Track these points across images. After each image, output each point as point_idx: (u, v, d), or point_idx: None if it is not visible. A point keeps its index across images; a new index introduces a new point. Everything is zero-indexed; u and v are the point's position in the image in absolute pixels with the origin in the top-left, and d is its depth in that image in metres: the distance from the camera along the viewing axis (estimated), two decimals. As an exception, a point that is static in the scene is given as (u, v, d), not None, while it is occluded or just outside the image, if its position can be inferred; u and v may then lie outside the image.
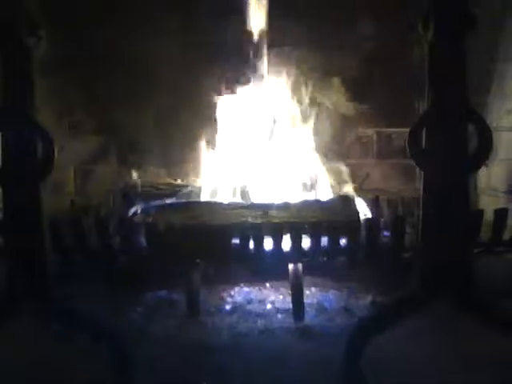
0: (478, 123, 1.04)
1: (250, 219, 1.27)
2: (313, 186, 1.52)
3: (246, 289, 1.60)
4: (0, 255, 1.30)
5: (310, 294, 1.55)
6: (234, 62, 1.75)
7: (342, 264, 1.33)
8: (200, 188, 1.54)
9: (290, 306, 1.46)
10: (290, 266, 1.41)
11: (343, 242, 1.25)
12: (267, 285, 1.65)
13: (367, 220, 1.22)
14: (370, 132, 1.87)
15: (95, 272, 1.42)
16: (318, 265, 1.48)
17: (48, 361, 1.16)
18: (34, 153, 1.06)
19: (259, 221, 1.26)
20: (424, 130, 1.04)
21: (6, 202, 1.08)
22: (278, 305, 1.50)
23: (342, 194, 1.50)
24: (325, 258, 1.29)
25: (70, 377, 1.11)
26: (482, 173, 1.82)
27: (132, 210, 1.47)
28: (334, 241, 1.23)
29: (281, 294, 1.57)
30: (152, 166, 1.88)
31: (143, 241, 1.32)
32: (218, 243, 1.25)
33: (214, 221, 1.27)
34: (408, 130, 1.98)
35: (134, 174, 1.84)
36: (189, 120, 1.79)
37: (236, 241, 1.26)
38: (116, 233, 1.31)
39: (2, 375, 1.12)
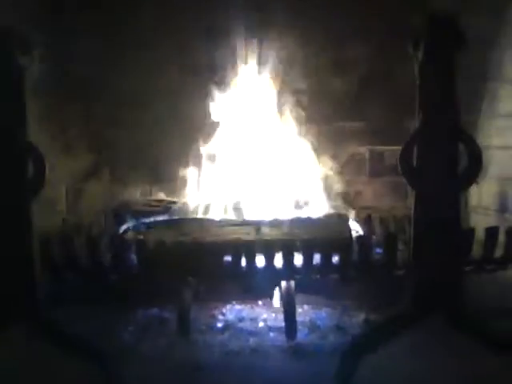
0: (467, 142, 1.06)
1: (242, 236, 1.27)
2: (305, 204, 1.53)
3: (237, 307, 1.59)
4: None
5: (303, 312, 1.54)
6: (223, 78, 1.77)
7: (335, 281, 1.32)
8: (192, 205, 1.53)
9: (283, 324, 1.45)
10: (283, 284, 1.41)
11: (335, 259, 1.25)
12: (259, 303, 1.64)
13: (359, 237, 1.22)
14: (363, 150, 1.89)
15: (86, 290, 1.41)
16: (310, 282, 1.48)
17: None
18: (24, 171, 1.06)
19: (251, 238, 1.26)
20: (415, 148, 1.06)
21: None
22: (270, 323, 1.48)
23: (333, 211, 1.50)
24: (317, 276, 1.28)
25: None
26: (473, 191, 1.83)
27: (123, 228, 1.46)
28: (326, 258, 1.23)
29: (273, 312, 1.56)
30: (144, 183, 1.89)
31: (134, 258, 1.31)
32: (209, 260, 1.24)
33: (206, 238, 1.27)
34: (400, 148, 2.00)
35: (126, 193, 1.85)
36: (180, 138, 1.80)
37: (228, 258, 1.25)
38: (107, 251, 1.30)
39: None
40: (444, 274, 0.97)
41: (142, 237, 1.31)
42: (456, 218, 1.02)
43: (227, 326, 1.46)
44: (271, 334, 1.42)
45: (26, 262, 1.07)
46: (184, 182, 1.71)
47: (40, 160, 1.05)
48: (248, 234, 1.29)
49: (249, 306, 1.59)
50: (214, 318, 1.52)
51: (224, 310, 1.56)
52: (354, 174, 1.85)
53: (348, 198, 1.72)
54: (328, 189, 1.65)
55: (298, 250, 1.23)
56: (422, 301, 0.99)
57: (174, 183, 1.78)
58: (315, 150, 1.76)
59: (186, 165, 1.73)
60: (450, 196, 1.03)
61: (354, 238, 1.25)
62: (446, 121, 1.05)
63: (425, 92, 1.06)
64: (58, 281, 1.33)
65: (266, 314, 1.55)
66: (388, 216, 1.76)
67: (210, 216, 1.42)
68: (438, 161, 1.04)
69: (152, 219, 1.41)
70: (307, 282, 1.37)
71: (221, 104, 1.70)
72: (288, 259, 1.24)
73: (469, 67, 1.17)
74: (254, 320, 1.50)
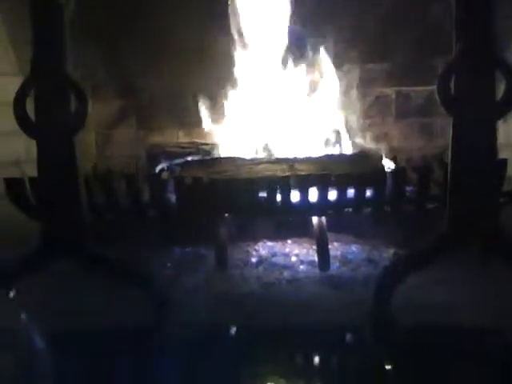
0: (505, 70, 1.06)
1: (276, 173, 1.30)
2: (336, 142, 1.54)
3: (269, 243, 1.64)
4: (32, 213, 1.35)
5: (333, 248, 1.59)
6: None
7: (367, 216, 1.36)
8: (222, 146, 1.56)
9: (314, 258, 1.50)
10: (315, 219, 1.45)
11: (369, 193, 1.28)
12: (289, 241, 1.69)
13: (394, 170, 1.24)
14: (390, 91, 1.87)
15: (125, 229, 1.46)
16: (342, 218, 1.51)
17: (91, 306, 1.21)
18: (67, 106, 1.09)
19: (286, 174, 1.29)
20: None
21: (40, 155, 1.11)
22: (302, 257, 1.54)
23: (365, 148, 1.52)
24: (351, 209, 1.32)
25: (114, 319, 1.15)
26: (501, 128, 1.82)
27: (158, 168, 1.49)
28: (360, 192, 1.25)
29: (304, 248, 1.61)
30: (172, 128, 1.91)
31: (171, 197, 1.35)
32: (245, 196, 1.28)
33: (241, 175, 1.30)
34: (427, 88, 1.98)
35: (154, 138, 1.87)
36: (207, 81, 1.81)
37: (263, 194, 1.28)
38: (144, 189, 1.34)
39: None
40: (481, 200, 1.00)
41: (178, 174, 1.35)
42: (492, 146, 1.04)
43: (261, 261, 1.52)
44: (304, 267, 1.48)
45: (73, 198, 1.12)
46: (213, 124, 1.73)
47: (82, 95, 1.07)
48: (282, 171, 1.31)
49: (280, 243, 1.65)
50: (248, 254, 1.58)
51: (256, 247, 1.62)
52: (381, 115, 1.84)
53: (376, 139, 1.73)
54: (356, 129, 1.66)
55: (332, 185, 1.26)
56: (459, 227, 1.02)
57: (202, 128, 1.80)
58: (342, 91, 1.75)
59: (214, 109, 1.74)
60: (487, 124, 1.04)
61: (387, 173, 1.27)
62: (484, 49, 1.05)
63: (462, 20, 1.06)
64: (98, 220, 1.38)
65: (298, 249, 1.60)
66: (415, 156, 1.77)
67: (242, 156, 1.44)
68: (476, 89, 1.04)
69: (186, 159, 1.44)
70: (340, 218, 1.41)
71: (247, 47, 1.69)
72: (322, 194, 1.27)
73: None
74: (287, 255, 1.56)
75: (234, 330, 1.07)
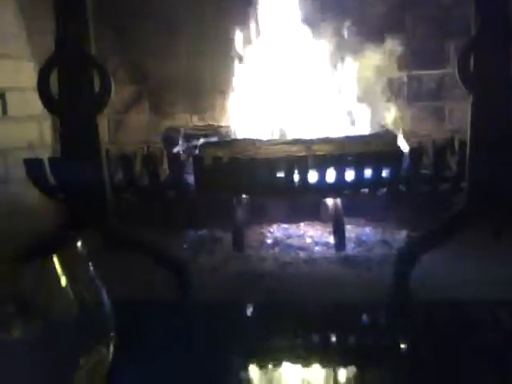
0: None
1: (293, 153, 1.31)
2: (351, 123, 1.55)
3: (283, 226, 1.66)
4: (52, 194, 1.37)
5: (347, 230, 1.60)
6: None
7: (383, 196, 1.37)
8: (239, 128, 1.57)
9: (328, 240, 1.52)
10: (330, 200, 1.47)
11: (385, 173, 1.29)
12: (302, 224, 1.71)
13: (412, 149, 1.26)
14: (402, 74, 1.88)
15: (143, 210, 1.48)
16: (353, 203, 1.53)
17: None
18: (90, 84, 1.10)
19: (303, 154, 1.30)
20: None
21: (63, 133, 1.13)
22: (316, 239, 1.56)
23: (382, 128, 1.53)
24: (366, 190, 1.33)
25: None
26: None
27: (175, 149, 1.51)
28: (376, 172, 1.27)
29: (318, 231, 1.63)
30: (184, 113, 1.91)
31: (189, 178, 1.37)
32: (264, 177, 1.29)
33: (260, 155, 1.31)
34: (439, 72, 1.98)
35: (167, 123, 1.88)
36: (222, 64, 1.81)
37: (281, 174, 1.30)
38: (163, 169, 1.36)
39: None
40: (500, 172, 1.01)
41: (197, 154, 1.36)
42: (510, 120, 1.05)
43: (276, 242, 1.54)
44: (319, 248, 1.50)
45: (97, 176, 1.13)
46: (226, 108, 1.74)
47: (105, 74, 1.08)
48: (299, 152, 1.33)
49: (294, 225, 1.67)
50: (263, 236, 1.59)
51: (271, 230, 1.64)
52: (393, 98, 1.85)
53: (389, 122, 1.74)
54: (370, 111, 1.67)
55: (349, 165, 1.27)
56: (478, 199, 1.04)
57: (217, 112, 1.81)
58: (353, 73, 1.76)
59: (229, 92, 1.75)
60: (506, 101, 1.05)
61: (404, 152, 1.28)
62: (504, 24, 1.06)
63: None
64: (118, 200, 1.40)
65: (312, 231, 1.62)
66: (427, 140, 1.78)
67: (259, 137, 1.45)
68: (495, 66, 1.06)
69: (203, 141, 1.45)
70: (352, 202, 1.43)
71: (263, 28, 1.69)
72: (339, 174, 1.28)
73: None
74: (301, 237, 1.58)
75: (254, 306, 1.09)
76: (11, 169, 1.78)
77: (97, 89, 1.09)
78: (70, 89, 1.08)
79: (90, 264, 0.39)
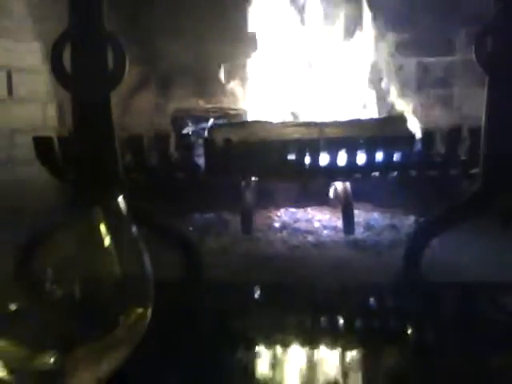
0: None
1: (305, 136, 1.30)
2: (363, 106, 1.54)
3: (290, 210, 1.66)
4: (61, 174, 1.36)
5: (356, 215, 1.60)
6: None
7: (393, 180, 1.37)
8: (249, 111, 1.56)
9: (337, 224, 1.52)
10: (339, 184, 1.47)
11: (396, 157, 1.29)
12: (309, 209, 1.71)
13: (424, 132, 1.25)
14: (410, 61, 1.87)
15: (151, 190, 1.47)
16: (360, 188, 1.53)
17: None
18: (104, 61, 1.09)
19: (315, 137, 1.30)
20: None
21: (75, 109, 1.11)
22: (324, 223, 1.56)
23: (394, 113, 1.52)
24: (377, 174, 1.33)
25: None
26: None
27: (185, 131, 1.50)
28: (388, 155, 1.26)
29: (326, 215, 1.63)
30: (193, 96, 1.90)
31: (198, 160, 1.36)
32: (275, 159, 1.28)
33: (271, 137, 1.31)
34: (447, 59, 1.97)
35: (173, 106, 1.87)
36: (230, 47, 1.80)
37: (292, 157, 1.29)
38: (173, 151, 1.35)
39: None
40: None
41: (207, 136, 1.35)
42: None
43: (284, 226, 1.54)
44: (327, 232, 1.50)
45: (109, 154, 1.12)
46: (237, 91, 1.73)
47: (120, 49, 1.07)
48: (311, 134, 1.32)
49: (301, 210, 1.66)
50: (271, 219, 1.59)
51: (278, 214, 1.64)
52: (401, 86, 1.85)
53: (399, 108, 1.73)
54: (382, 97, 1.66)
55: (361, 148, 1.27)
56: (491, 184, 1.04)
57: (226, 95, 1.80)
58: (364, 60, 1.75)
59: (238, 75, 1.74)
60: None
61: (416, 135, 1.28)
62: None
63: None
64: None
65: (320, 215, 1.62)
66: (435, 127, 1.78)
67: (270, 119, 1.44)
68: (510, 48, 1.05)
69: (213, 123, 1.44)
70: (366, 182, 1.42)
71: (272, 10, 1.67)
72: (350, 157, 1.28)
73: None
74: (309, 221, 1.57)
75: (263, 286, 1.09)
76: (16, 150, 1.77)
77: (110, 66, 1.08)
78: (84, 64, 1.07)
79: (133, 225, 0.38)
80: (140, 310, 0.38)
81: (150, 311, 0.38)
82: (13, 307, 0.36)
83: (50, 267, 0.36)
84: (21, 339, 0.35)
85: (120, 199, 0.38)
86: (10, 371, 0.33)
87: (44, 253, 0.37)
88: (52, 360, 0.33)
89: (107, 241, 0.36)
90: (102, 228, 0.36)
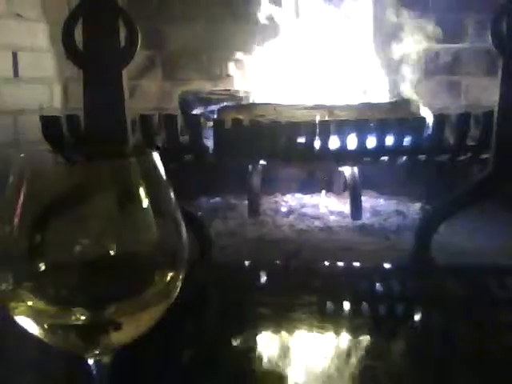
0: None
1: (315, 118, 1.29)
2: (372, 91, 1.53)
3: (297, 196, 1.66)
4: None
5: (362, 201, 1.60)
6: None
7: (397, 170, 1.37)
8: (257, 93, 1.54)
9: (343, 209, 1.52)
10: (347, 170, 1.46)
11: (406, 141, 1.28)
12: (315, 195, 1.70)
13: (435, 116, 1.24)
14: (418, 48, 1.86)
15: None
16: (370, 174, 1.52)
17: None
18: (116, 37, 1.07)
19: (326, 119, 1.29)
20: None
21: (86, 86, 1.10)
22: (331, 208, 1.55)
23: (404, 97, 1.51)
24: (386, 158, 1.32)
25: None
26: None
27: (194, 112, 1.48)
28: (398, 139, 1.26)
29: (332, 201, 1.62)
30: (199, 80, 1.88)
31: (207, 142, 1.35)
32: (285, 141, 1.27)
33: (281, 119, 1.29)
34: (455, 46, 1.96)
35: (180, 90, 1.85)
36: (237, 31, 1.78)
37: (302, 139, 1.28)
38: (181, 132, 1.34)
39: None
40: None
41: (216, 117, 1.34)
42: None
43: (291, 211, 1.54)
44: (334, 217, 1.50)
45: (120, 134, 1.11)
46: (244, 75, 1.72)
47: (132, 26, 1.06)
48: (321, 117, 1.31)
49: (308, 195, 1.66)
50: (278, 204, 1.59)
51: (285, 199, 1.63)
52: (410, 72, 1.83)
53: (407, 93, 1.72)
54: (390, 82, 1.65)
55: (371, 131, 1.26)
56: (502, 168, 1.03)
57: (232, 78, 1.78)
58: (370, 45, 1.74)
59: (245, 58, 1.73)
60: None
61: (427, 120, 1.27)
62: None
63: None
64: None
65: (326, 201, 1.62)
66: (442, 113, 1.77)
67: (279, 102, 1.43)
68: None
69: (222, 105, 1.43)
70: (375, 167, 1.42)
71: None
72: (360, 140, 1.27)
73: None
74: (316, 206, 1.57)
75: (274, 267, 1.09)
76: (21, 132, 1.76)
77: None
78: (95, 40, 1.06)
79: (172, 190, 0.38)
80: (172, 273, 0.38)
81: (182, 275, 0.38)
82: (42, 267, 0.36)
83: (84, 228, 0.36)
84: (50, 298, 0.35)
85: (155, 154, 0.38)
86: (44, 326, 0.33)
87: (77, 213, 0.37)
88: (83, 317, 0.33)
89: (145, 200, 0.36)
90: (141, 185, 0.36)
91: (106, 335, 0.34)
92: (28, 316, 0.33)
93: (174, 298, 0.37)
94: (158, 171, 0.37)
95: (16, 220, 0.34)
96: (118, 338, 0.34)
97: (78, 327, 0.33)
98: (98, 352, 0.34)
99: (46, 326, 0.33)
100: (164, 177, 0.37)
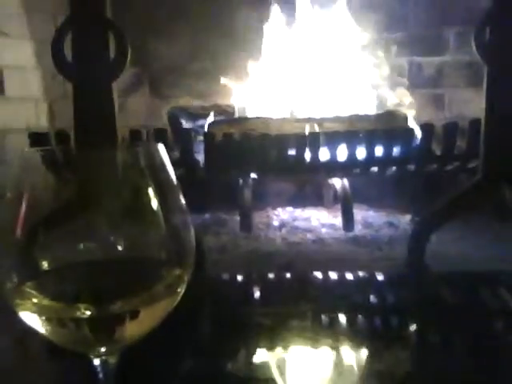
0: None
1: (306, 130, 1.30)
2: (360, 103, 1.55)
3: (288, 209, 1.65)
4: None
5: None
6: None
7: (385, 182, 1.38)
8: (246, 108, 1.55)
9: (335, 222, 1.52)
10: (338, 182, 1.47)
11: (395, 152, 1.29)
12: (305, 209, 1.70)
13: (422, 125, 1.26)
14: (403, 60, 1.90)
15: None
16: (360, 186, 1.53)
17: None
18: (106, 51, 1.07)
19: (315, 131, 1.30)
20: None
21: (76, 100, 1.09)
22: (323, 221, 1.55)
23: (391, 109, 1.53)
24: (375, 169, 1.33)
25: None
26: None
27: (183, 127, 1.48)
28: (387, 149, 1.27)
29: (323, 214, 1.62)
30: (187, 96, 1.89)
31: (197, 157, 1.35)
32: (275, 154, 1.28)
33: (270, 132, 1.30)
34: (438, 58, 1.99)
35: (168, 106, 1.85)
36: (224, 49, 1.80)
37: (292, 152, 1.29)
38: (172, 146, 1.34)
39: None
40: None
41: (207, 131, 1.34)
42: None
43: (283, 224, 1.53)
44: (326, 230, 1.49)
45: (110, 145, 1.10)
46: (231, 92, 1.73)
47: (122, 39, 1.06)
48: (310, 129, 1.32)
49: (299, 209, 1.66)
50: (269, 218, 1.58)
51: (276, 213, 1.63)
52: (394, 85, 1.86)
53: (393, 106, 1.74)
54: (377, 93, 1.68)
55: (360, 142, 1.27)
56: (492, 175, 1.05)
57: (220, 94, 1.79)
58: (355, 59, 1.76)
59: (232, 74, 1.74)
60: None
61: (415, 130, 1.28)
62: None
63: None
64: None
65: (317, 215, 1.62)
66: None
67: (268, 115, 1.44)
68: (509, 39, 1.07)
69: (212, 119, 1.43)
70: (365, 179, 1.43)
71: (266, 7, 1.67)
72: (350, 152, 1.28)
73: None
74: (308, 219, 1.57)
75: (266, 280, 1.08)
76: (8, 150, 1.73)
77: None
78: (85, 53, 1.05)
79: (180, 191, 0.38)
80: (178, 272, 0.37)
81: (188, 275, 0.38)
82: (46, 266, 0.36)
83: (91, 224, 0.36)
84: (55, 295, 0.34)
85: (161, 146, 0.38)
86: (51, 320, 0.32)
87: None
88: (88, 312, 0.32)
89: (154, 200, 0.36)
90: (149, 182, 0.35)
91: (113, 331, 0.33)
92: (33, 312, 0.32)
93: (181, 294, 0.37)
94: (166, 170, 0.37)
95: (20, 223, 0.33)
96: (124, 334, 0.33)
97: (83, 322, 0.32)
98: (103, 351, 0.33)
99: (51, 322, 0.33)
100: (172, 175, 0.37)
